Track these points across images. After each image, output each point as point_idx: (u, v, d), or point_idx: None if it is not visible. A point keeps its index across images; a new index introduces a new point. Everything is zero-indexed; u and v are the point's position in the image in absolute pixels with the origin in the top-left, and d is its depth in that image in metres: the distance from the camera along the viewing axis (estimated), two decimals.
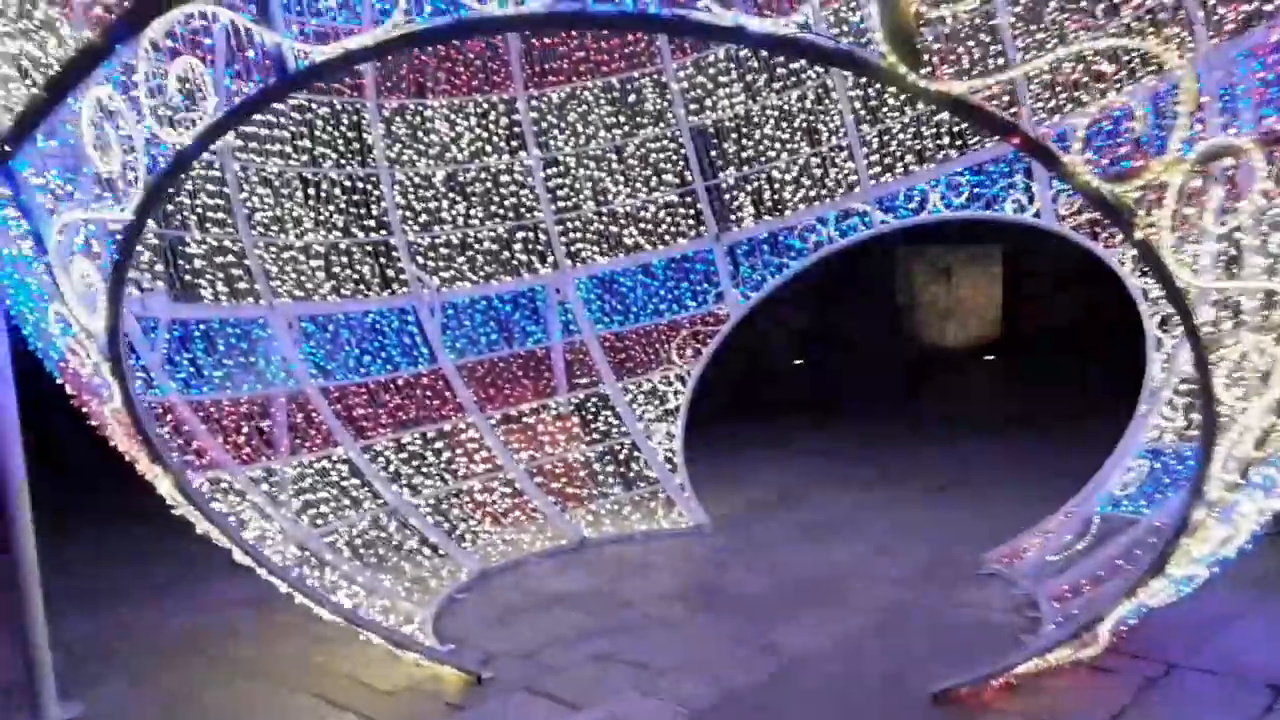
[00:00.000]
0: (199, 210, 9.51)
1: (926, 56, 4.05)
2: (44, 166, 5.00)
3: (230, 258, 9.71)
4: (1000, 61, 10.10)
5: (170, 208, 9.19)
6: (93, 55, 4.32)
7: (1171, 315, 9.00)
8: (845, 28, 10.13)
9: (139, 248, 8.58)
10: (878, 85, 11.62)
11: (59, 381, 5.93)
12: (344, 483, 9.49)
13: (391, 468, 10.07)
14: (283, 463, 9.09)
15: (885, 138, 11.70)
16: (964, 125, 11.10)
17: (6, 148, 4.89)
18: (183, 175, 9.32)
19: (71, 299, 5.04)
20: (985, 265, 32.15)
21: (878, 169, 11.68)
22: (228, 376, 9.15)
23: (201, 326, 9.12)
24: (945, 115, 11.28)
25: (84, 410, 5.91)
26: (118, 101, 4.31)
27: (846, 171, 11.84)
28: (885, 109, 11.70)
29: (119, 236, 4.60)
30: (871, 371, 26.19)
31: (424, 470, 10.42)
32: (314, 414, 9.70)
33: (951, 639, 7.30)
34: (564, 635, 7.84)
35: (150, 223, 8.89)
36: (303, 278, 10.45)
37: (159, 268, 8.81)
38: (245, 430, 8.90)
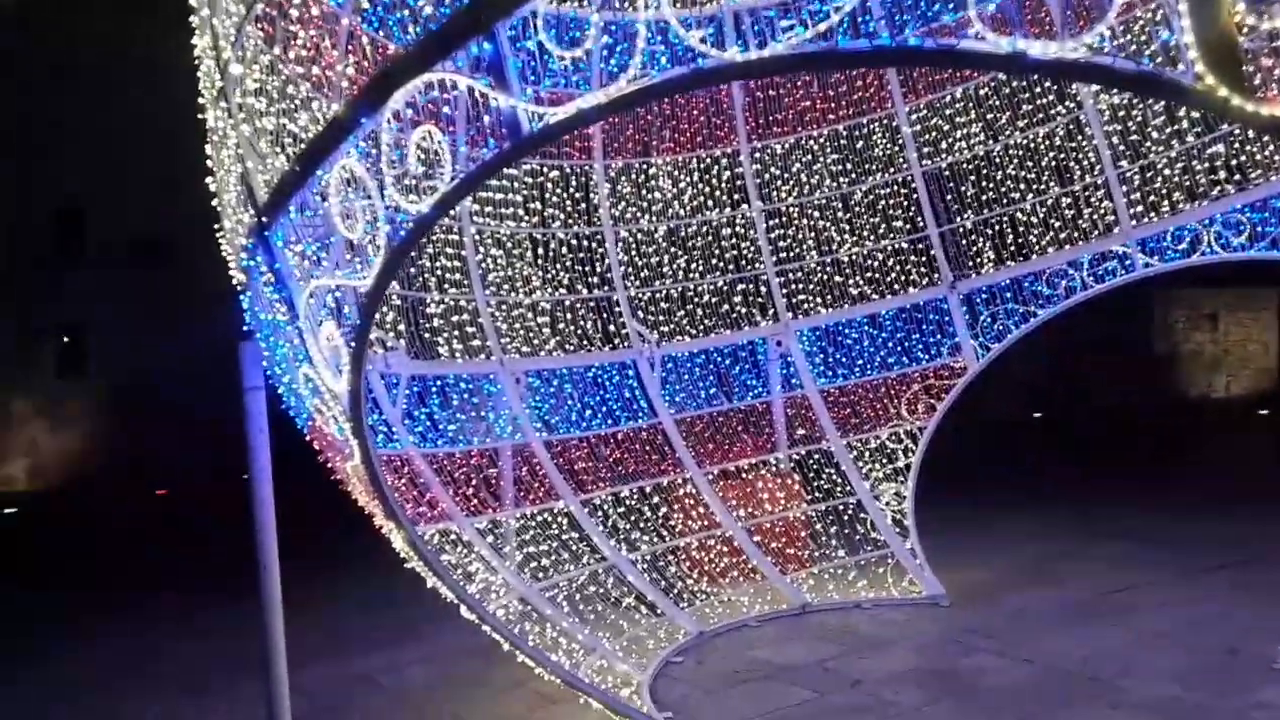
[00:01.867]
0: (438, 272, 9.99)
1: (1249, 75, 3.43)
2: (298, 237, 5.30)
3: (465, 316, 10.11)
4: None
5: (412, 270, 9.70)
6: (339, 129, 4.53)
7: None
8: (1147, 45, 9.14)
9: (383, 308, 9.14)
10: (1137, 117, 10.63)
11: (308, 438, 6.27)
12: (564, 536, 9.52)
13: (609, 522, 10.03)
14: (507, 515, 9.25)
15: (1148, 174, 10.56)
16: (1243, 158, 9.89)
17: (264, 219, 5.24)
18: (422, 240, 9.88)
19: (319, 362, 5.28)
20: (1257, 308, 28.93)
21: (1139, 208, 10.58)
22: (460, 430, 9.47)
23: (438, 382, 9.51)
24: (1219, 148, 10.13)
25: (329, 466, 6.21)
26: (361, 171, 4.46)
27: (1103, 212, 10.79)
28: (1148, 144, 10.60)
29: (362, 302, 4.75)
30: (1126, 427, 23.91)
31: (641, 525, 10.31)
32: (537, 467, 9.85)
33: None
34: (787, 714, 7.35)
35: (394, 284, 9.45)
36: (530, 334, 10.73)
37: (401, 327, 9.28)
38: (474, 482, 9.15)
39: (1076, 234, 10.93)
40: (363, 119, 4.28)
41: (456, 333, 9.97)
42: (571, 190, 11.38)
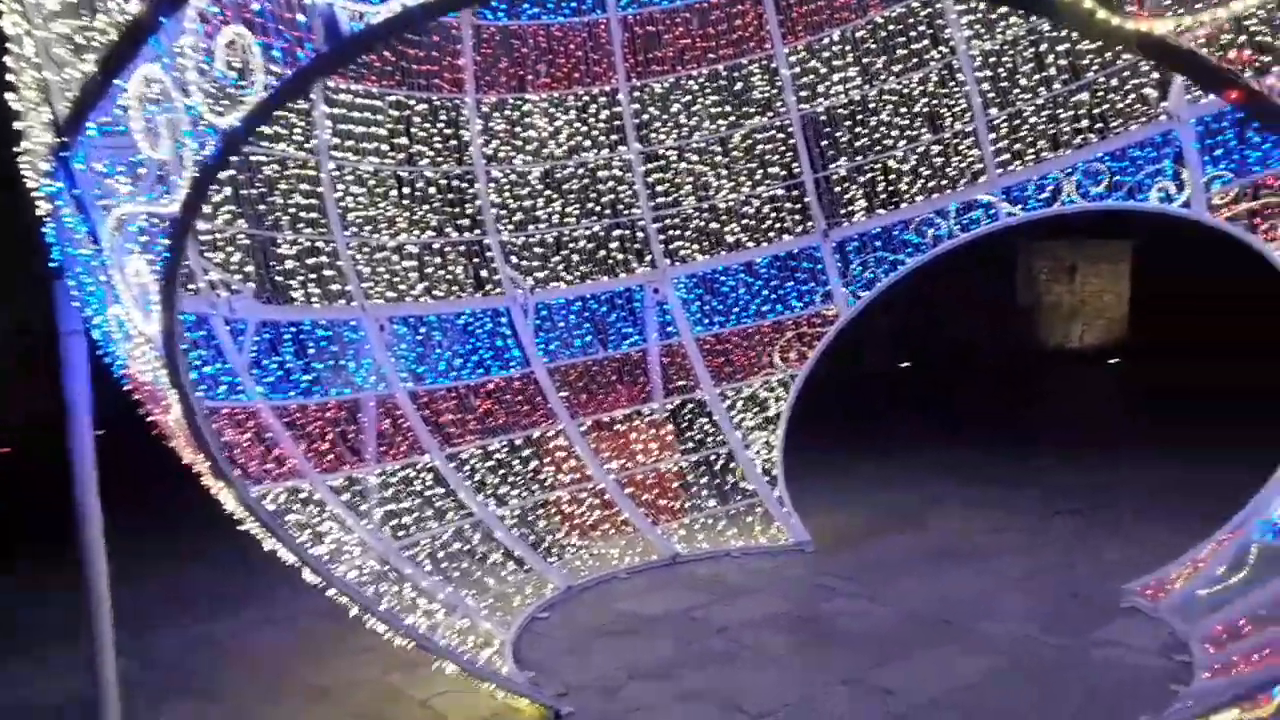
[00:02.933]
0: (292, 210, 9.32)
1: None
2: (101, 158, 4.69)
3: (323, 258, 9.49)
4: None
5: (262, 207, 9.01)
6: (139, 29, 3.94)
7: None
8: None
9: (230, 249, 8.45)
10: (1008, 64, 10.71)
11: (127, 388, 5.68)
12: (428, 492, 9.16)
13: (477, 477, 9.70)
14: (366, 471, 8.79)
15: (1015, 122, 10.65)
16: (1105, 107, 10.08)
17: (63, 136, 4.61)
18: (274, 174, 9.17)
19: (128, 300, 4.73)
20: (1114, 260, 30.27)
21: (1006, 156, 10.68)
22: (317, 380, 8.92)
23: (292, 329, 8.91)
24: (1083, 97, 10.30)
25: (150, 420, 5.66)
26: (165, 80, 3.91)
27: (971, 160, 10.86)
28: (1017, 90, 10.69)
29: (170, 230, 4.22)
30: (987, 376, 24.84)
31: (511, 480, 10.02)
32: (401, 420, 9.40)
33: (1090, 686, 6.41)
34: (651, 667, 7.25)
35: (243, 223, 8.75)
36: (395, 278, 10.19)
37: (249, 269, 8.62)
38: (330, 437, 8.64)
39: (945, 182, 11.04)
40: (163, 18, 3.72)
41: (313, 276, 9.35)
42: (440, 126, 10.76)
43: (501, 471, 10.06)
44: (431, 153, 10.62)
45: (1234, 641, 6.25)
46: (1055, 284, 30.55)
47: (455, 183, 10.81)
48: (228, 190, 8.49)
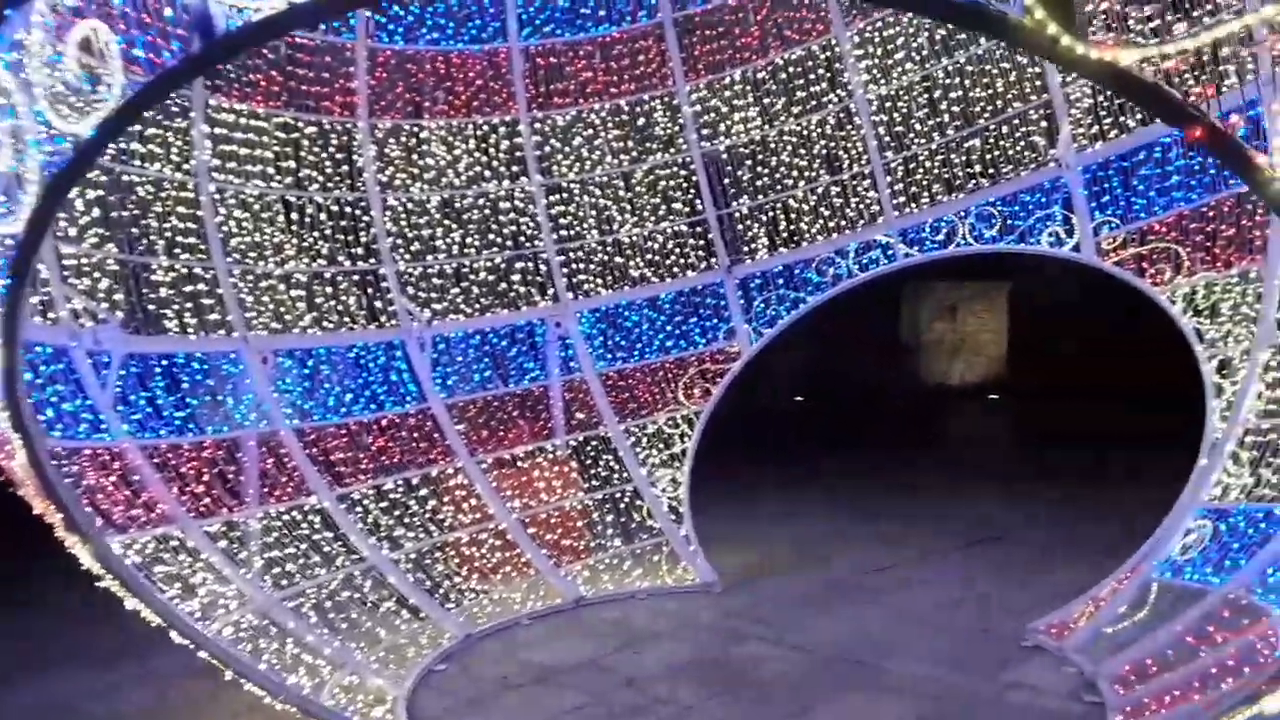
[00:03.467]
0: (168, 234, 8.67)
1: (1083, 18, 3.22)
2: None
3: (201, 286, 8.86)
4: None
5: (136, 231, 8.34)
6: None
7: (1231, 360, 8.19)
8: None
9: (97, 275, 7.77)
10: (903, 108, 10.95)
11: None
12: (316, 536, 8.57)
13: (370, 519, 9.15)
14: (247, 515, 8.16)
15: (911, 165, 10.88)
16: (997, 153, 10.40)
17: None
18: (149, 195, 8.54)
19: None
20: (991, 301, 31.48)
21: (902, 199, 10.89)
22: (191, 417, 8.26)
23: (164, 362, 8.23)
24: (975, 143, 10.60)
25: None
26: (8, 82, 3.44)
27: (869, 201, 11.05)
28: (911, 135, 10.93)
29: (12, 253, 3.72)
30: (879, 412, 25.39)
31: (406, 521, 9.51)
32: (286, 459, 8.79)
33: None
34: None
35: (112, 247, 8.08)
36: (281, 309, 9.60)
37: (119, 296, 7.93)
38: (206, 479, 7.99)
39: (844, 222, 11.19)
40: (8, 10, 3.27)
41: (190, 304, 8.70)
42: (331, 151, 10.28)
43: (396, 513, 9.55)
44: (321, 178, 10.12)
45: (1143, 682, 6.32)
46: (938, 323, 31.49)
47: (348, 209, 10.32)
48: (96, 212, 7.81)
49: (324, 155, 10.19)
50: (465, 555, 9.85)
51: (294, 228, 9.89)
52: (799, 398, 27.00)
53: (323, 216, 10.13)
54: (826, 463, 17.54)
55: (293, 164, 9.91)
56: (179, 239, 8.75)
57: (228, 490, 8.18)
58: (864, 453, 18.61)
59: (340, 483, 9.18)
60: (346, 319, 10.13)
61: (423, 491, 9.86)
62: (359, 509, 9.13)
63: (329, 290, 10.04)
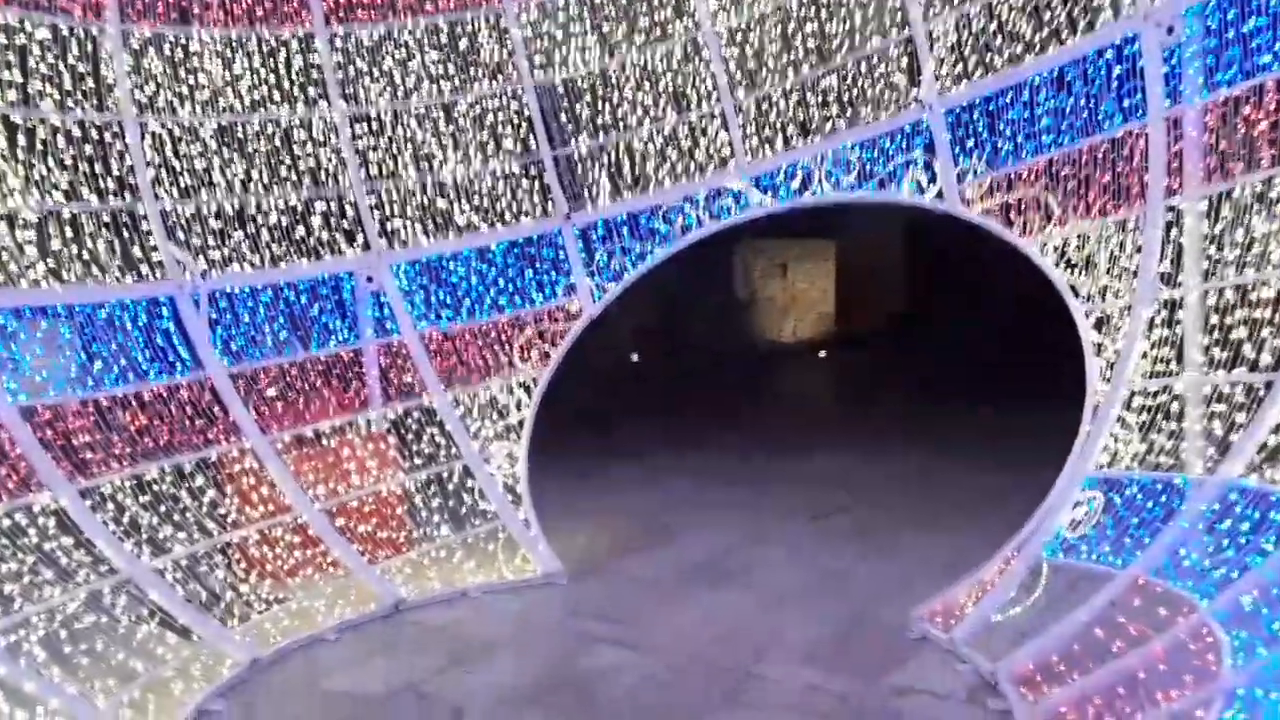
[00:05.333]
0: None
1: None
2: None
3: None
4: None
5: None
6: None
7: (1110, 317, 7.68)
8: None
9: None
10: (754, 42, 10.00)
11: None
12: (48, 545, 6.68)
13: (126, 518, 7.32)
14: None
15: (764, 106, 9.95)
16: (855, 93, 9.62)
17: None
18: None
19: None
20: (821, 259, 31.88)
21: (755, 142, 9.98)
22: None
23: None
24: (831, 82, 9.78)
25: None
26: None
27: (720, 144, 10.09)
28: (765, 71, 9.96)
29: None
30: (714, 371, 24.94)
31: (175, 519, 7.72)
32: (8, 446, 6.83)
33: None
34: None
35: None
36: (4, 256, 7.53)
37: None
38: None
39: (694, 166, 10.19)
40: None
41: None
42: (72, 61, 8.22)
43: (162, 508, 7.74)
44: (58, 94, 8.05)
45: (1051, 684, 5.59)
46: (770, 280, 31.66)
47: (94, 133, 8.27)
48: None
49: (61, 66, 8.11)
50: (254, 557, 8.17)
51: (19, 154, 7.78)
52: (635, 357, 26.17)
53: (60, 142, 8.06)
54: (666, 426, 16.67)
55: (16, 76, 7.78)
56: None
57: None
58: (704, 415, 17.88)
59: (84, 473, 7.30)
60: (94, 269, 8.14)
61: (198, 481, 8.08)
62: (110, 506, 7.28)
63: (68, 233, 8.00)
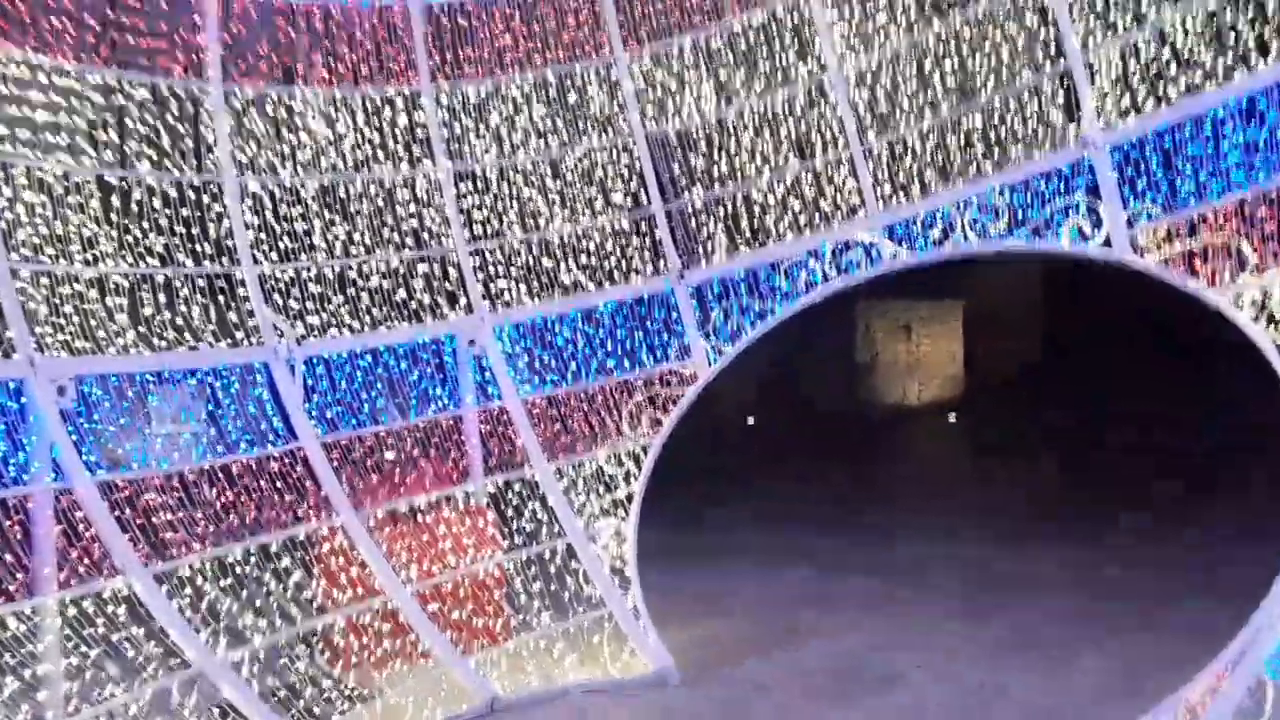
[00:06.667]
0: None
1: None
2: None
3: None
4: None
5: None
6: None
7: None
8: None
9: None
10: (887, 83, 9.19)
11: None
12: (116, 636, 6.16)
13: (203, 605, 6.77)
14: (4, 610, 5.72)
15: (898, 149, 9.11)
16: (1003, 132, 8.67)
17: None
18: None
19: None
20: (946, 321, 30.54)
21: (887, 189, 9.09)
22: None
23: None
24: (975, 121, 8.88)
25: None
26: None
27: (848, 192, 9.26)
28: (898, 113, 9.14)
29: None
30: (839, 436, 23.66)
31: (258, 604, 7.16)
32: (82, 526, 6.40)
33: None
34: None
35: None
36: (92, 322, 7.26)
37: None
38: None
39: (818, 218, 9.40)
40: None
41: None
42: (171, 119, 8.07)
43: (244, 593, 7.18)
44: (154, 154, 7.86)
45: None
46: (893, 341, 30.71)
47: (191, 194, 8.03)
48: None
49: (161, 126, 7.94)
50: (339, 647, 7.51)
51: (113, 217, 7.57)
52: (750, 421, 25.21)
53: (156, 203, 7.85)
54: (786, 499, 15.49)
55: (114, 136, 7.62)
56: None
57: None
58: (828, 486, 16.62)
59: (163, 555, 6.81)
60: (187, 335, 7.82)
61: (285, 562, 7.53)
62: (187, 591, 6.76)
63: (161, 299, 7.71)
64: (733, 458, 20.40)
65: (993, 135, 8.63)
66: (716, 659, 8.29)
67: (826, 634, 8.86)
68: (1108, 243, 7.91)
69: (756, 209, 9.55)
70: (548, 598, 8.49)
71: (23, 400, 6.59)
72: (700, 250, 9.62)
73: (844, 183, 9.28)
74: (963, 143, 8.77)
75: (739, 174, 9.57)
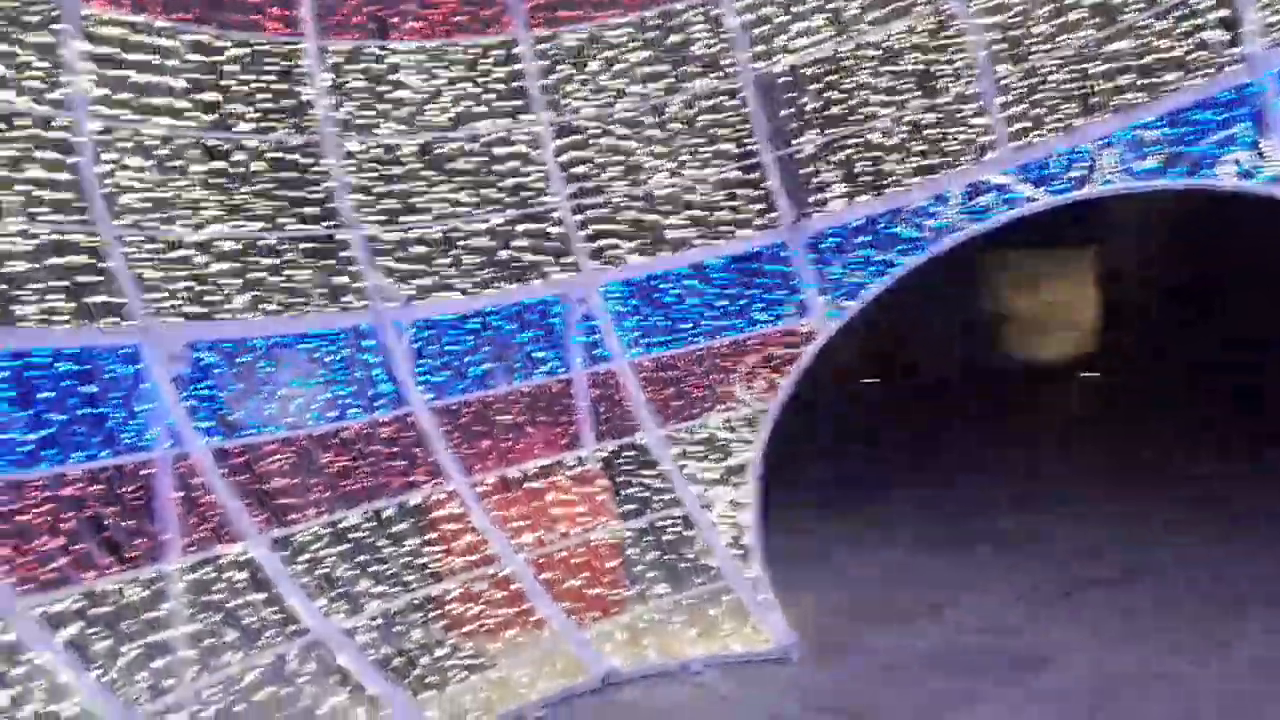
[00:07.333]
0: (28, 190, 6.31)
1: None
2: None
3: (78, 258, 6.49)
4: None
5: None
6: None
7: None
8: None
9: None
10: (1019, 5, 8.44)
11: None
12: (233, 603, 6.12)
13: (319, 571, 6.70)
14: (120, 579, 5.71)
15: (1033, 81, 8.43)
16: (1151, 58, 7.95)
17: None
18: None
19: None
20: (1078, 270, 28.88)
21: (1022, 125, 8.38)
22: (52, 443, 5.86)
23: (14, 363, 5.86)
24: (1121, 45, 8.10)
25: None
26: None
27: (978, 130, 8.54)
28: (1033, 41, 8.46)
29: None
30: (962, 397, 22.70)
31: (373, 570, 7.06)
32: (198, 493, 6.37)
33: None
34: None
35: None
36: (201, 288, 7.24)
37: None
38: (65, 530, 5.57)
39: (945, 160, 8.77)
40: None
41: (59, 284, 6.35)
42: (269, 79, 7.96)
43: (360, 559, 7.10)
44: (256, 115, 7.75)
45: None
46: (1019, 294, 29.22)
47: (293, 157, 7.93)
48: None
49: (258, 85, 7.84)
50: (454, 615, 7.38)
51: (217, 181, 7.51)
52: (869, 380, 24.44)
53: (258, 166, 7.76)
54: (910, 463, 14.82)
55: (214, 96, 7.53)
56: (41, 194, 6.37)
57: (103, 544, 5.76)
58: (954, 449, 15.83)
59: (281, 521, 6.77)
60: (295, 299, 7.75)
61: (399, 526, 7.42)
62: (304, 558, 6.70)
63: (270, 262, 7.65)
64: (849, 421, 19.74)
65: (1140, 61, 7.91)
66: (842, 635, 7.84)
67: (961, 609, 8.31)
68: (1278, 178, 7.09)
69: (876, 153, 8.98)
70: (663, 569, 8.18)
71: (138, 367, 6.58)
72: (815, 200, 9.10)
73: (973, 119, 8.54)
74: (1106, 71, 8.07)
75: (856, 114, 8.93)
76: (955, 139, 8.74)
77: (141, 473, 6.31)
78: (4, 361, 5.83)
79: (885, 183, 8.93)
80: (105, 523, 5.84)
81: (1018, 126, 8.41)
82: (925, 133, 8.86)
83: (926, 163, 8.81)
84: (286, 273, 7.78)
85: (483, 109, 8.90)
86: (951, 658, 7.21)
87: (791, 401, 8.82)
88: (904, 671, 7.01)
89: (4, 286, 6.05)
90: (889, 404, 21.60)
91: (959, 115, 8.73)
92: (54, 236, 6.39)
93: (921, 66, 8.90)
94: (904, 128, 8.93)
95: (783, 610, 7.73)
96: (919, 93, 8.87)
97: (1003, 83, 8.45)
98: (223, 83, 7.59)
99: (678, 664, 7.42)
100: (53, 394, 6.05)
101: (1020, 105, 8.46)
